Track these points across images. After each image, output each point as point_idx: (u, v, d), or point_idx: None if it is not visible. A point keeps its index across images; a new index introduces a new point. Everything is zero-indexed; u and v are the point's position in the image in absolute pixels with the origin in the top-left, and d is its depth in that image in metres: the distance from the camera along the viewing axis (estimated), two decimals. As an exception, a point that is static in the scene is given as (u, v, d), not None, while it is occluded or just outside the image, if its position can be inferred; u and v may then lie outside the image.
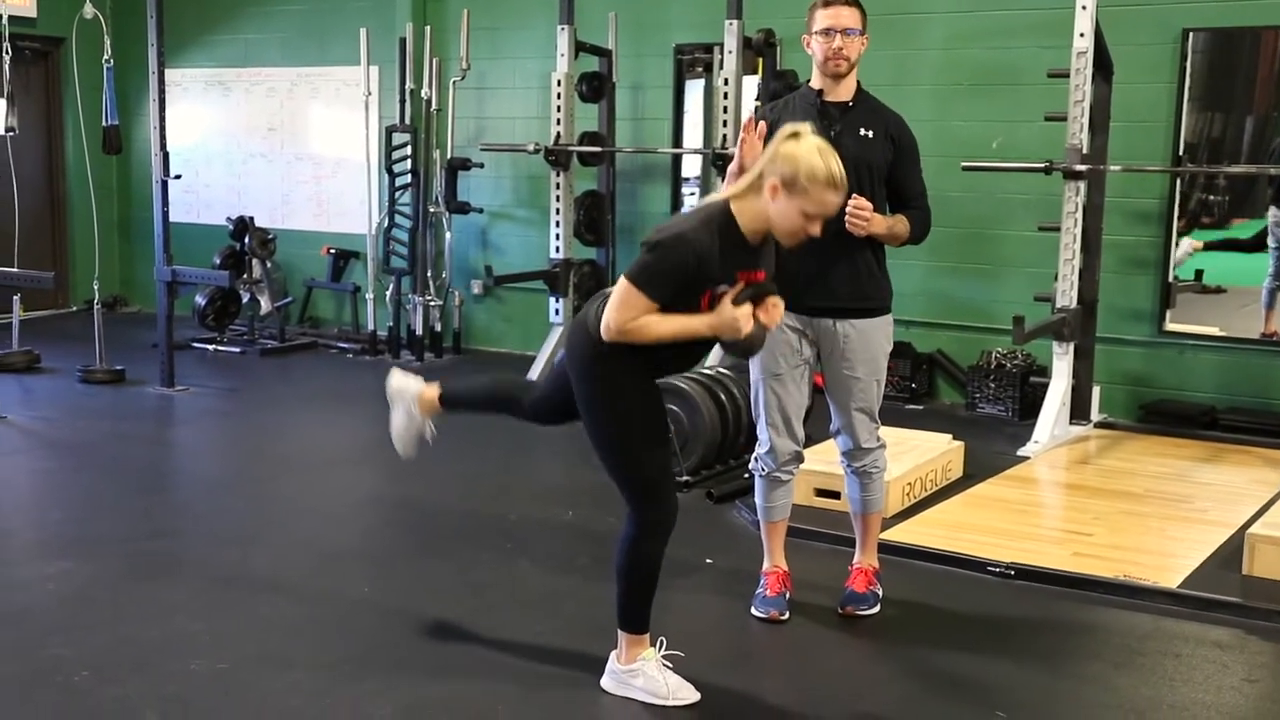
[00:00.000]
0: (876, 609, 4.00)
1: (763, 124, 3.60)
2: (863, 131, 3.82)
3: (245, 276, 8.97)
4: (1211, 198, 6.97)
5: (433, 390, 3.78)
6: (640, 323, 3.11)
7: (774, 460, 3.96)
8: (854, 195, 3.69)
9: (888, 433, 4.10)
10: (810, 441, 4.16)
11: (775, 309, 3.20)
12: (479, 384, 3.95)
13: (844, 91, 3.85)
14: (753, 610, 4.01)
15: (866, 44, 3.85)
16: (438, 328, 8.61)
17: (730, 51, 7.12)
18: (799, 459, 4.02)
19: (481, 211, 8.72)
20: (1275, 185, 6.70)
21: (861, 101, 3.87)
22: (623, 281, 3.13)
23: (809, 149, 3.12)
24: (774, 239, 3.26)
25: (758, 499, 4.08)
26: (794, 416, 3.93)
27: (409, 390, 3.80)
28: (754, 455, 4.04)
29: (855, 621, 3.99)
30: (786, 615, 3.99)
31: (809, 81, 3.92)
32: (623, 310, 3.11)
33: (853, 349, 3.84)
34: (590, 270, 8.06)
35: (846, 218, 3.68)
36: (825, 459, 4.28)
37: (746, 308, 3.12)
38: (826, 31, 3.78)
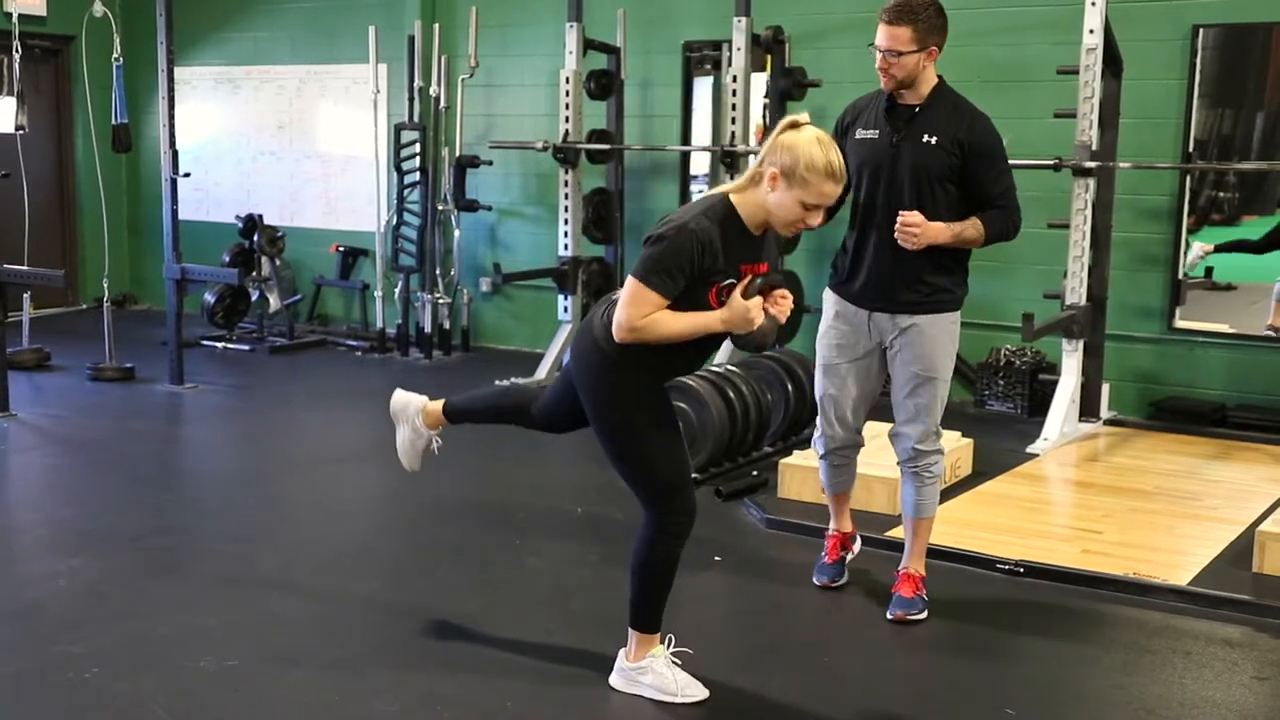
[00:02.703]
0: (925, 614, 3.98)
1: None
2: (925, 138, 3.80)
3: (254, 274, 8.97)
4: (1221, 194, 6.96)
5: (436, 404, 3.79)
6: (652, 319, 3.10)
7: (824, 446, 4.10)
8: (901, 212, 3.71)
9: (897, 430, 4.10)
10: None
11: (784, 301, 3.20)
12: (483, 395, 3.92)
13: (913, 96, 3.84)
14: (813, 578, 4.20)
15: (935, 55, 3.79)
16: (446, 325, 8.61)
17: (739, 48, 7.11)
18: (854, 448, 4.13)
19: (490, 209, 8.72)
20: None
21: (934, 105, 3.83)
22: (630, 280, 3.11)
23: (808, 139, 3.12)
24: (775, 233, 3.26)
25: (820, 471, 4.22)
26: (847, 409, 4.01)
27: (412, 406, 3.81)
28: (813, 437, 4.19)
29: (864, 619, 3.99)
30: (843, 581, 4.20)
31: None
32: (633, 307, 3.10)
33: (912, 344, 3.86)
34: (599, 268, 8.06)
35: (896, 233, 3.72)
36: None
37: (757, 300, 3.12)
38: (878, 48, 3.79)
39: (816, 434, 4.12)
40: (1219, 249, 6.81)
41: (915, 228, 3.70)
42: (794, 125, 3.16)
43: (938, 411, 3.94)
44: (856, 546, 4.29)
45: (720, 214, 3.14)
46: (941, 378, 3.91)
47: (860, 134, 3.90)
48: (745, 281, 3.14)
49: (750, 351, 3.21)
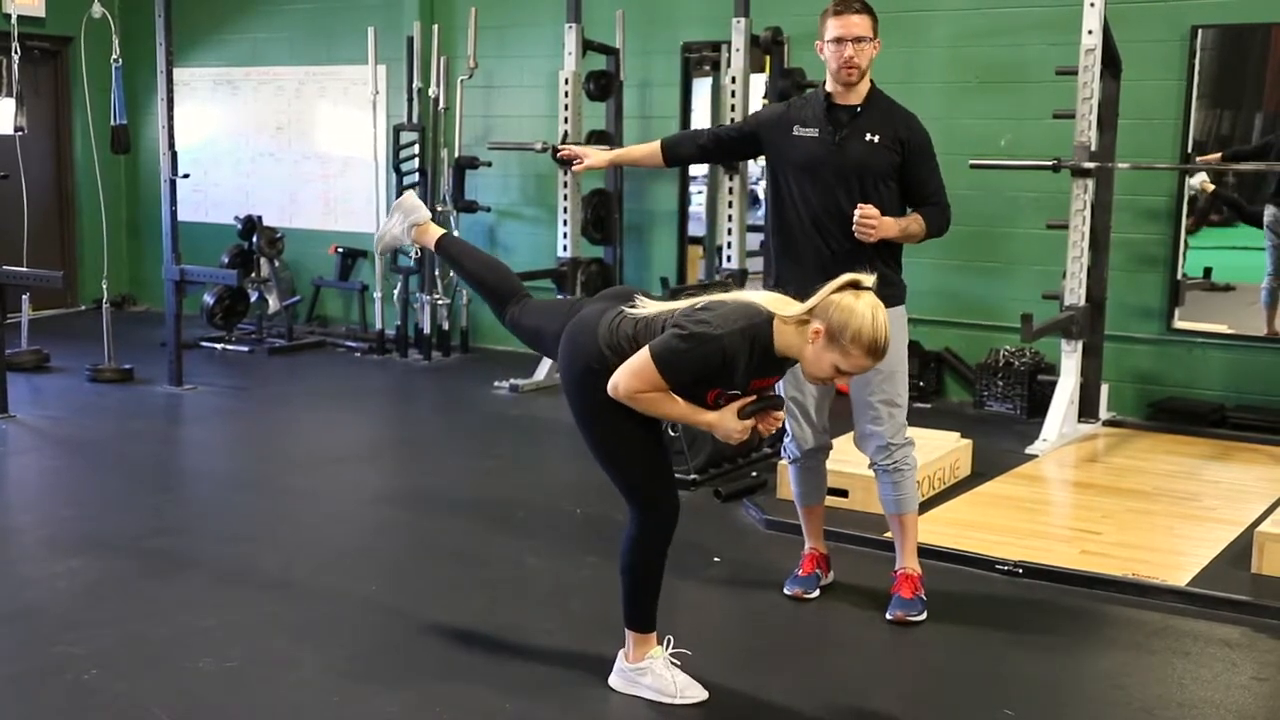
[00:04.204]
0: (925, 615, 3.97)
1: None
2: (868, 136, 3.85)
3: (253, 275, 8.97)
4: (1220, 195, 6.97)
5: (435, 231, 3.76)
6: (647, 397, 3.12)
7: (797, 450, 4.08)
8: (860, 205, 3.77)
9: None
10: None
11: (774, 422, 3.23)
12: (476, 258, 3.79)
13: (854, 96, 3.89)
14: (784, 589, 4.13)
15: (879, 48, 3.88)
16: (445, 326, 8.61)
17: (738, 49, 7.11)
18: (823, 450, 4.12)
19: (489, 210, 8.72)
20: (1276, 182, 6.70)
21: (872, 105, 3.90)
22: (645, 354, 3.09)
23: (865, 308, 3.07)
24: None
25: (791, 483, 4.22)
26: (812, 409, 4.02)
27: (415, 214, 3.77)
28: (782, 444, 4.17)
29: (864, 620, 3.99)
30: (813, 595, 4.13)
31: (824, 83, 3.95)
32: (635, 380, 3.10)
33: None
34: (598, 269, 8.06)
35: (855, 227, 3.76)
36: (835, 457, 4.29)
37: (749, 423, 3.16)
38: (838, 40, 3.82)
39: (787, 439, 4.12)
40: (1219, 195, 6.88)
41: (873, 220, 3.75)
42: (855, 286, 3.12)
43: (904, 404, 3.97)
44: (830, 575, 4.24)
45: (757, 337, 3.10)
46: (902, 370, 3.96)
47: (799, 131, 3.92)
48: (745, 402, 3.16)
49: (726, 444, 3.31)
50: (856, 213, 3.76)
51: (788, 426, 4.07)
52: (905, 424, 4.00)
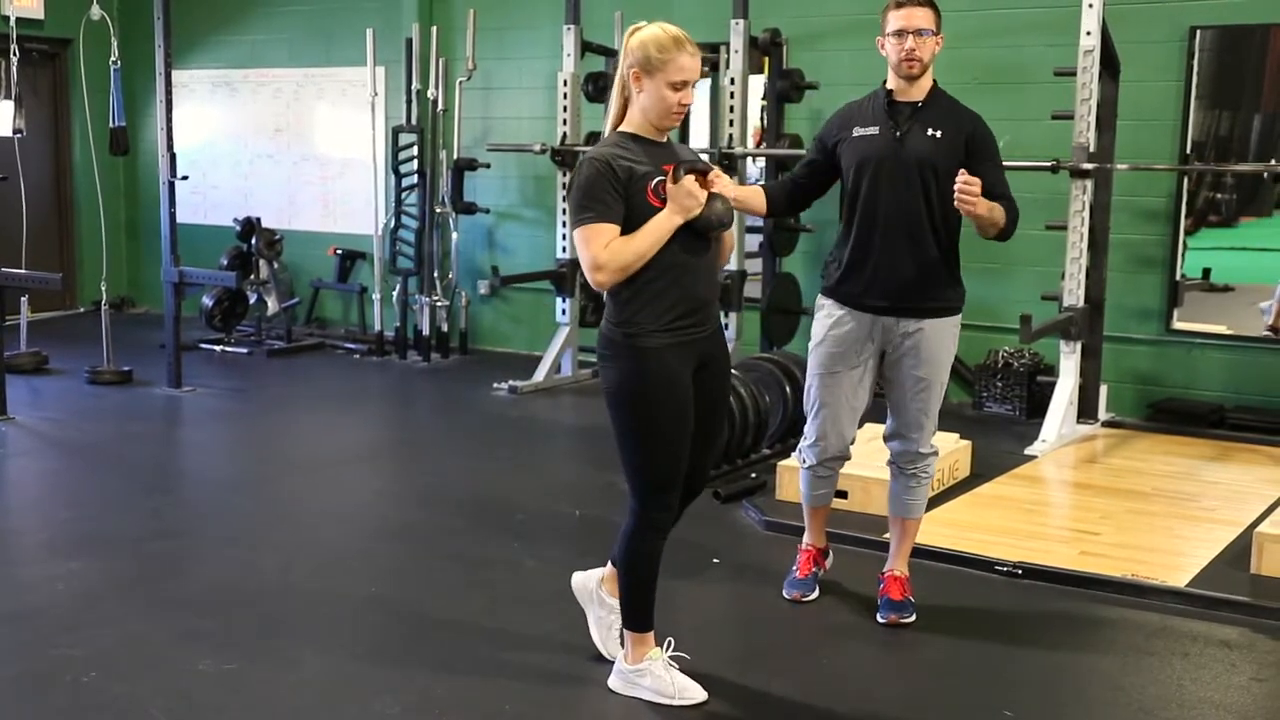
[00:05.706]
0: (915, 616, 3.97)
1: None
2: (930, 131, 3.78)
3: (252, 277, 8.98)
4: (1219, 196, 6.97)
5: (608, 568, 3.58)
6: (613, 248, 3.15)
7: (815, 456, 4.01)
8: (961, 171, 3.62)
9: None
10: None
11: (720, 178, 3.29)
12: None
13: (916, 91, 3.82)
14: (783, 592, 4.10)
15: (941, 44, 3.83)
16: (444, 328, 8.61)
17: (736, 51, 7.12)
18: (843, 459, 4.05)
19: (488, 212, 8.72)
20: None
21: (934, 101, 3.84)
22: (574, 231, 3.20)
23: (648, 29, 3.23)
24: (674, 144, 3.37)
25: (801, 485, 4.15)
26: (843, 418, 3.94)
27: (592, 580, 3.61)
28: (799, 446, 4.09)
29: (863, 621, 3.99)
30: (812, 596, 4.11)
31: (885, 82, 3.89)
32: (589, 246, 3.16)
33: (918, 348, 3.82)
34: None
35: (956, 194, 3.59)
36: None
37: (690, 179, 3.19)
38: (899, 33, 3.76)
39: (806, 443, 4.03)
40: None
41: (974, 187, 3.57)
42: (634, 30, 3.26)
43: (935, 415, 3.94)
44: (829, 562, 4.25)
45: (615, 139, 3.26)
46: (944, 380, 3.91)
47: (859, 131, 3.85)
48: (671, 171, 3.21)
49: (715, 230, 3.26)
50: (958, 180, 3.58)
51: (810, 434, 4.00)
52: (935, 432, 3.97)
